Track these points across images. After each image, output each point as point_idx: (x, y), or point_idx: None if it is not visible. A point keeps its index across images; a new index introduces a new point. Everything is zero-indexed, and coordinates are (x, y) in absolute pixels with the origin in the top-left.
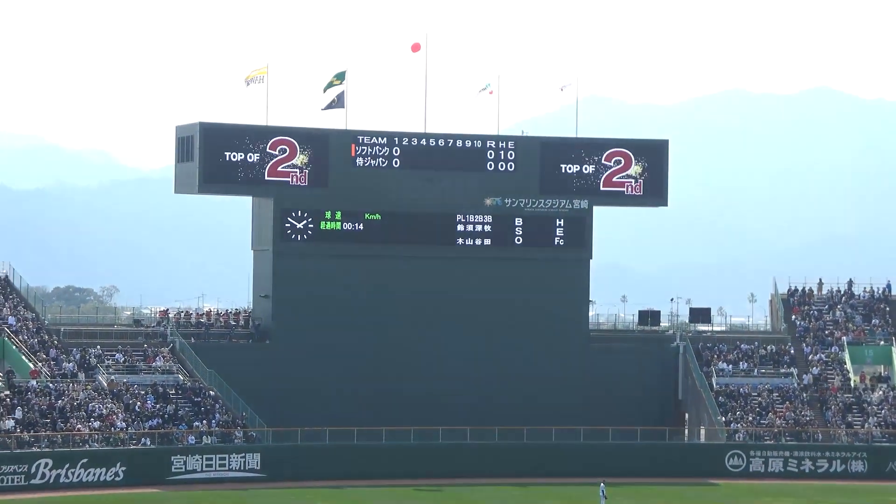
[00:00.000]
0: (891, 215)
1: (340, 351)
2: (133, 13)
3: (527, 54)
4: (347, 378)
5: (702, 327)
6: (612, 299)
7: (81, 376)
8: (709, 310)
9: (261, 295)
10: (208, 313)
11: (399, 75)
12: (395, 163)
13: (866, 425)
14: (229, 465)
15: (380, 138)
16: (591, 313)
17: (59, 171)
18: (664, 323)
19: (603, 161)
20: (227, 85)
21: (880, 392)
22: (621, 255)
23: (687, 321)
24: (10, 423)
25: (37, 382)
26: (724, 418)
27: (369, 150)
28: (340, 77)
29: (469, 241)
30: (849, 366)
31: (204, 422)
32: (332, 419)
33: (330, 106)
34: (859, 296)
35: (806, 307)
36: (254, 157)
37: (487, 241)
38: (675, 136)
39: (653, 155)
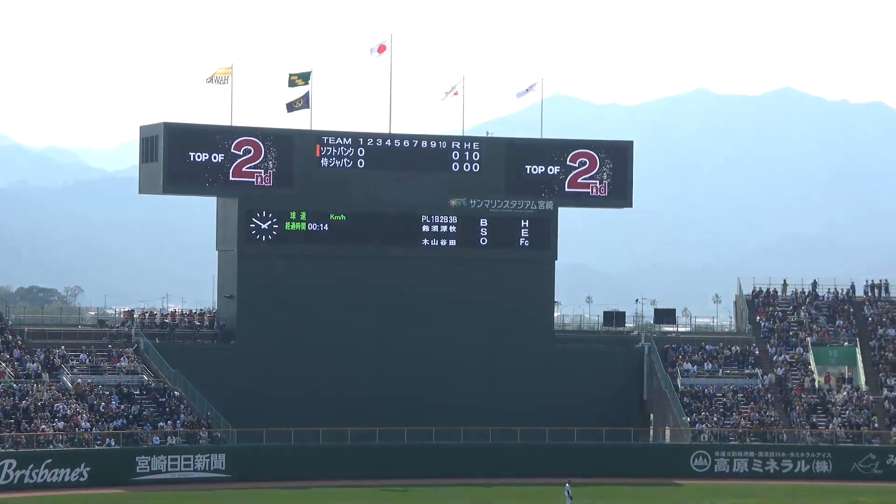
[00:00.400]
0: (854, 216)
1: (305, 351)
2: (98, 12)
3: (492, 54)
4: (312, 379)
5: (667, 328)
6: (577, 300)
7: (45, 377)
8: (673, 311)
9: (225, 295)
10: (173, 314)
11: (364, 76)
12: (360, 163)
13: (830, 426)
14: (194, 465)
15: (345, 139)
16: (556, 314)
17: (23, 171)
18: (629, 324)
19: (568, 162)
20: (192, 85)
21: (844, 393)
22: (586, 256)
23: (652, 322)
24: None
25: (0, 383)
26: (688, 419)
27: (334, 150)
28: (305, 78)
29: (434, 242)
30: (813, 367)
31: (169, 422)
32: (297, 420)
33: (292, 108)
34: (823, 297)
35: (770, 308)
36: (218, 158)
37: (452, 242)
38: (639, 137)
39: (617, 156)
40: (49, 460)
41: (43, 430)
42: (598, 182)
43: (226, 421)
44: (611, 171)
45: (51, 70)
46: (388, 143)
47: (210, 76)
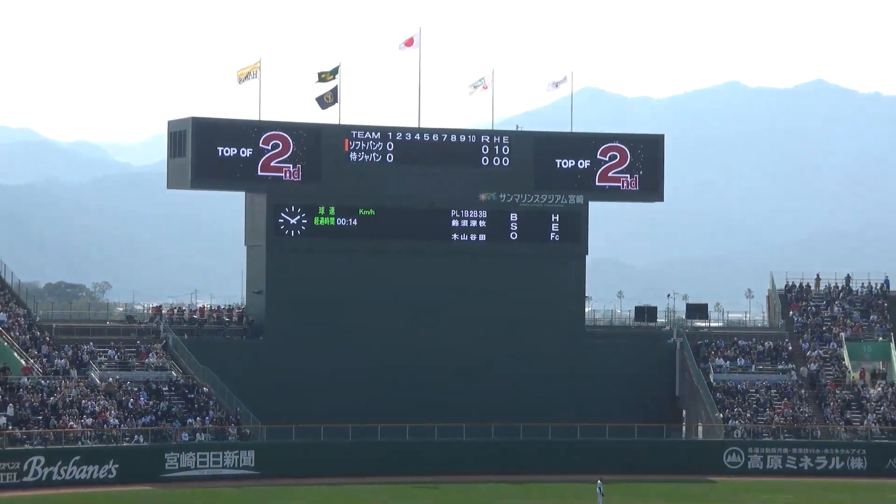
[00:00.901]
0: (888, 209)
1: (334, 347)
2: (125, 8)
3: (521, 47)
4: (341, 374)
5: (699, 323)
6: (608, 295)
7: (74, 373)
8: (706, 305)
9: (254, 291)
10: (201, 309)
11: (393, 70)
12: (389, 158)
13: (865, 422)
14: (223, 462)
15: (373, 133)
16: (587, 309)
17: (51, 167)
18: (661, 319)
19: (598, 156)
20: (220, 80)
21: (879, 389)
22: (617, 250)
23: (684, 317)
24: (1, 420)
25: (28, 379)
26: (721, 415)
27: (363, 144)
28: (333, 72)
29: (464, 237)
30: (847, 362)
31: (197, 419)
32: (326, 416)
33: (324, 104)
34: (857, 291)
35: (803, 303)
36: (247, 152)
37: (482, 237)
38: (671, 130)
39: (648, 149)
40: (77, 457)
41: (71, 427)
42: (628, 176)
43: (255, 417)
44: (642, 164)
45: (78, 65)
46: (417, 137)
47: (238, 75)
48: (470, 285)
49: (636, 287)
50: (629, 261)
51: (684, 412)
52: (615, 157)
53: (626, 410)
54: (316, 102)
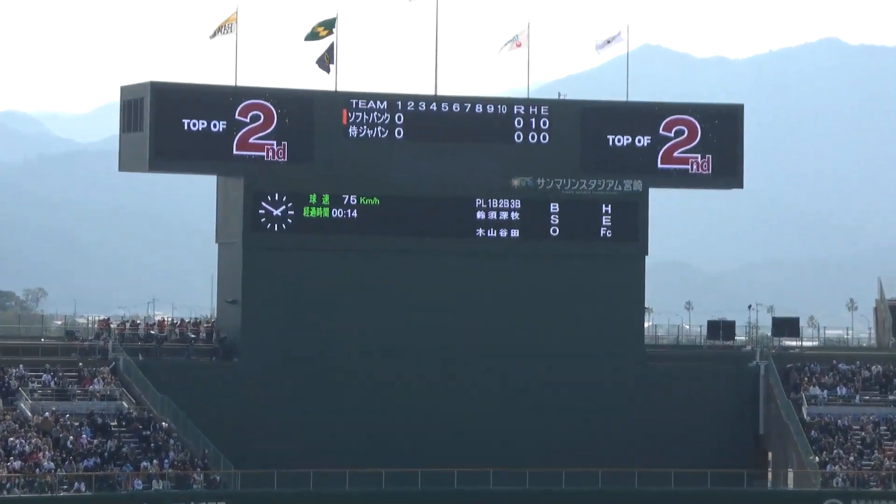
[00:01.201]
0: None
1: (328, 372)
2: None
3: None
4: (337, 407)
5: (788, 342)
6: (673, 306)
7: None
8: (797, 320)
9: (227, 300)
10: (161, 323)
11: (403, 24)
12: (398, 133)
13: None
14: None
15: (379, 103)
16: (646, 324)
17: None
18: (740, 336)
19: (661, 131)
20: (187, 36)
21: None
22: (685, 251)
23: (769, 334)
24: None
25: None
26: (817, 458)
27: (365, 117)
28: (329, 25)
29: (491, 233)
30: None
31: (154, 462)
32: (317, 459)
33: (324, 64)
34: None
35: None
36: (219, 126)
37: (515, 233)
38: (751, 100)
39: (724, 123)
40: None
41: None
42: (698, 156)
43: (227, 460)
44: (715, 142)
45: (10, 21)
46: (434, 107)
47: (213, 31)
48: (498, 294)
49: (709, 297)
50: (700, 264)
51: (770, 455)
52: (682, 132)
53: (697, 453)
54: (316, 66)
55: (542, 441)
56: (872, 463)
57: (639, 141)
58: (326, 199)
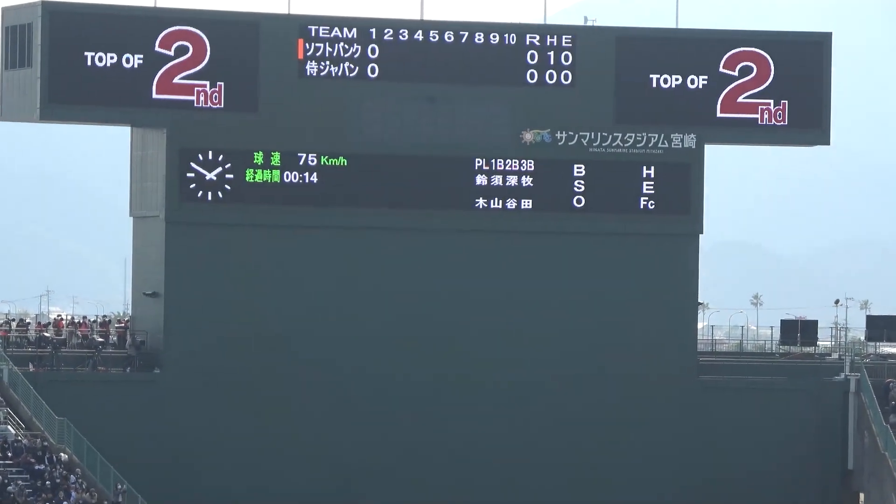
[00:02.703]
0: None
1: (277, 387)
2: None
3: None
4: (291, 432)
5: (887, 348)
6: (736, 301)
7: None
8: None
9: (145, 292)
10: (58, 323)
11: None
12: (372, 71)
13: None
14: None
15: (346, 31)
16: (700, 325)
17: None
18: (823, 341)
19: (721, 69)
20: None
21: None
22: (752, 228)
23: (862, 338)
24: None
25: None
26: None
27: (329, 49)
28: None
29: (496, 203)
30: None
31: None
32: (263, 496)
33: None
34: None
35: None
36: (134, 62)
37: (526, 203)
38: (840, 28)
39: (805, 59)
40: None
41: None
42: (771, 103)
43: (145, 502)
44: (793, 84)
45: None
46: (419, 37)
47: None
48: (506, 281)
49: (783, 287)
50: (771, 245)
51: (862, 497)
52: (749, 70)
53: (767, 489)
54: None
55: (564, 472)
56: None
57: (692, 82)
58: (277, 158)
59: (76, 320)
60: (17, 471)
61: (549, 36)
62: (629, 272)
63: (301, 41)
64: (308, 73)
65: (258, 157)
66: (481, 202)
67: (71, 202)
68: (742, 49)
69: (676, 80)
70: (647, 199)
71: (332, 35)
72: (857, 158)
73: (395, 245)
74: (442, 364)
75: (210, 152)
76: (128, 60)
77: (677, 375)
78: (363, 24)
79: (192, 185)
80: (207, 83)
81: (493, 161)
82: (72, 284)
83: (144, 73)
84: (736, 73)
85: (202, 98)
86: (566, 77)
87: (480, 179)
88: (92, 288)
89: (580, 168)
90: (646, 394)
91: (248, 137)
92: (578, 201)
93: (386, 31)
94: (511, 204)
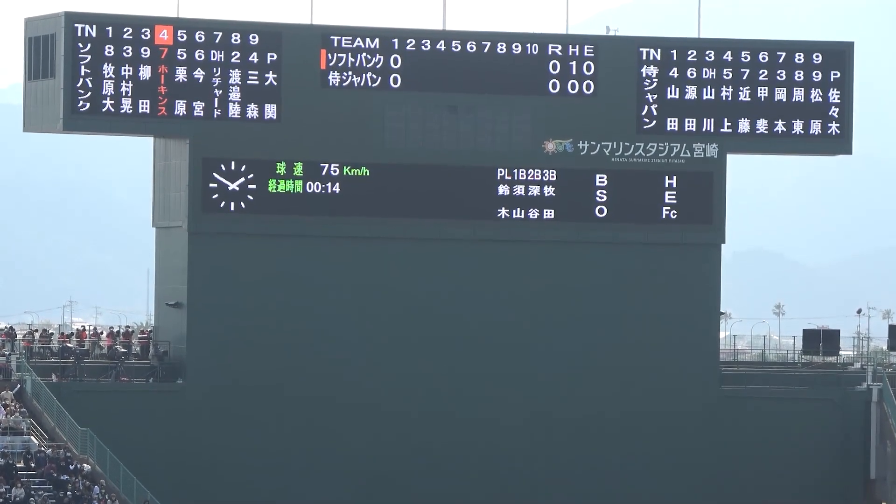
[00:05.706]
0: None
1: (300, 396)
2: None
3: None
4: (312, 439)
5: None
6: (758, 310)
7: None
8: None
9: (168, 303)
10: (81, 334)
11: None
12: (395, 81)
13: None
14: None
15: (369, 41)
16: (722, 334)
17: None
18: (846, 351)
19: (743, 78)
20: None
21: None
22: (774, 238)
23: (885, 348)
24: None
25: None
26: None
27: (352, 59)
28: None
29: (518, 213)
30: None
31: None
32: None
33: None
34: None
35: None
36: (157, 71)
37: (549, 213)
38: (863, 35)
39: (828, 67)
40: None
41: None
42: (793, 112)
43: None
44: (816, 92)
45: None
46: (441, 47)
47: None
48: (527, 292)
49: (805, 297)
50: (794, 254)
51: None
52: (771, 79)
53: (790, 498)
54: None
55: (585, 484)
56: None
57: (713, 91)
58: (299, 168)
59: (99, 331)
60: (39, 481)
61: (570, 46)
62: (651, 282)
63: (324, 51)
64: (330, 84)
65: (281, 168)
66: (503, 212)
67: (94, 213)
68: (764, 58)
69: (698, 89)
70: (669, 208)
71: (354, 45)
72: (879, 167)
73: (417, 254)
74: (464, 372)
75: (233, 162)
76: (150, 71)
77: (699, 385)
78: (385, 35)
79: (215, 196)
80: (230, 93)
81: (515, 171)
82: (95, 295)
83: (167, 83)
84: (758, 82)
85: (225, 108)
86: (588, 87)
87: (502, 189)
88: (115, 298)
89: (602, 178)
90: (668, 403)
91: (270, 147)
92: (601, 211)
93: (408, 40)
94: (533, 214)
